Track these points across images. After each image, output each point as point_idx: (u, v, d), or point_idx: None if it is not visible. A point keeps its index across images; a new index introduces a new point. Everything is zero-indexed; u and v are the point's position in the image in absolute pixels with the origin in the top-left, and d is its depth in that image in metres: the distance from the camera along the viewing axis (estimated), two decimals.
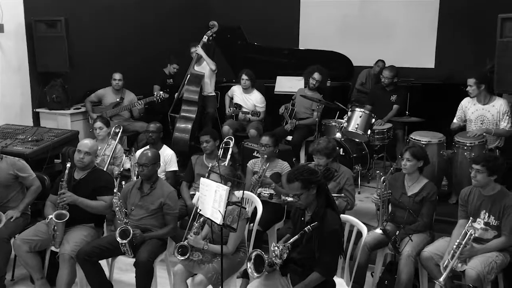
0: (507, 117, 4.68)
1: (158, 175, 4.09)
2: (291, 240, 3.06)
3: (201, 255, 3.56)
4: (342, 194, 4.18)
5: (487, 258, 3.45)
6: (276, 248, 3.08)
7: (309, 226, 2.98)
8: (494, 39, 4.68)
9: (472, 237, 3.40)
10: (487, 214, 3.58)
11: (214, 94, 6.69)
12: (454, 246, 3.40)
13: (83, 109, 6.34)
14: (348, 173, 4.25)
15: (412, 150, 3.92)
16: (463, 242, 3.38)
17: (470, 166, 3.62)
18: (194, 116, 6.15)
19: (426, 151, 4.09)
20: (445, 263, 3.42)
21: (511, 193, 3.64)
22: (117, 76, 6.22)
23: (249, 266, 3.07)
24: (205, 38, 6.29)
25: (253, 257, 3.08)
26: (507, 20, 4.57)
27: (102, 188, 3.98)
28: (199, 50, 6.24)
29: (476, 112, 4.83)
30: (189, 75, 6.29)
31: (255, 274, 3.07)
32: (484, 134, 4.68)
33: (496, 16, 4.65)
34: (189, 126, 6.11)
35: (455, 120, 5.04)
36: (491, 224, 3.57)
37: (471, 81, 4.73)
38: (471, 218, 3.64)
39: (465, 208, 3.72)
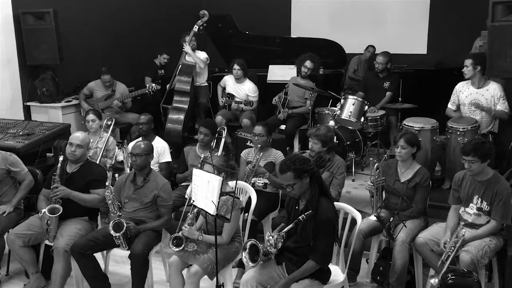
0: (503, 101, 4.67)
1: (152, 166, 4.07)
2: (285, 229, 3.07)
3: (196, 246, 3.56)
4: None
5: (481, 242, 3.48)
6: (271, 237, 3.09)
7: (303, 215, 2.99)
8: (486, 23, 4.66)
9: (462, 238, 3.42)
10: (479, 199, 3.59)
11: (206, 84, 6.66)
12: (449, 248, 3.41)
13: (74, 102, 6.29)
14: (341, 162, 4.25)
15: (406, 137, 3.92)
16: (457, 246, 3.40)
17: (461, 155, 3.61)
18: (186, 106, 6.12)
19: (419, 137, 4.10)
20: (442, 258, 3.43)
21: (504, 179, 3.65)
22: (106, 77, 6.13)
23: (244, 255, 3.09)
24: (195, 28, 6.24)
25: (248, 247, 3.09)
26: (498, 4, 4.53)
27: (95, 181, 3.96)
28: (186, 48, 6.20)
29: (470, 96, 4.82)
30: (180, 66, 6.26)
31: (250, 263, 3.08)
32: (483, 112, 4.67)
33: (487, 0, 4.63)
34: (182, 117, 6.08)
35: (449, 105, 5.03)
36: (483, 209, 3.58)
37: (468, 61, 4.70)
38: (462, 206, 3.67)
39: (457, 193, 3.73)
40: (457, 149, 4.55)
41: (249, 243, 3.09)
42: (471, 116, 4.79)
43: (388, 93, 6.04)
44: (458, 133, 4.61)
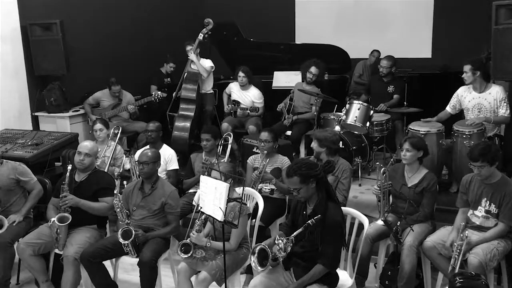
0: (505, 104, 4.67)
1: (159, 174, 4.10)
2: (295, 233, 3.06)
3: (204, 253, 3.57)
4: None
5: (489, 245, 3.46)
6: (280, 241, 3.08)
7: (312, 219, 2.98)
8: (490, 27, 4.67)
9: (466, 239, 3.42)
10: (488, 202, 3.59)
11: (212, 91, 6.69)
12: (455, 250, 3.41)
13: (82, 111, 6.34)
14: (346, 166, 4.24)
15: (411, 140, 3.93)
16: (462, 248, 3.39)
17: (469, 160, 3.60)
18: (192, 114, 6.16)
19: (425, 142, 4.10)
20: (452, 263, 3.42)
21: None
22: (116, 88, 6.19)
23: (253, 260, 3.07)
24: (200, 36, 6.28)
25: (257, 251, 3.08)
26: (501, 7, 4.55)
27: (103, 189, 3.99)
28: (191, 56, 6.24)
29: (473, 101, 4.83)
30: (186, 74, 6.30)
31: (259, 268, 3.07)
32: (483, 122, 4.68)
33: (490, 3, 4.64)
34: (188, 124, 6.12)
35: (447, 108, 5.03)
36: (492, 212, 3.58)
37: (466, 67, 4.73)
38: (471, 209, 3.67)
39: (465, 196, 3.73)
40: (463, 152, 4.54)
41: (258, 248, 3.08)
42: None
43: (395, 96, 6.06)
44: (464, 136, 4.61)
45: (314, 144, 4.28)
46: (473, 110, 4.83)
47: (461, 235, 3.43)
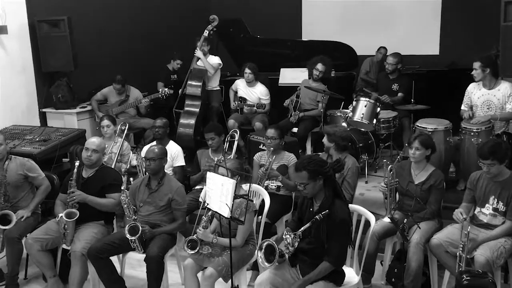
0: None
1: (166, 170, 4.11)
2: (302, 228, 3.07)
3: (210, 249, 3.59)
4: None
5: (496, 243, 3.45)
6: (288, 236, 3.09)
7: (320, 214, 2.99)
8: (498, 23, 4.64)
9: (468, 234, 3.40)
10: (496, 200, 3.57)
11: (218, 88, 6.70)
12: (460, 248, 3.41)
13: (89, 108, 6.37)
14: (352, 164, 4.21)
15: (421, 138, 3.91)
16: (466, 246, 3.38)
17: (478, 158, 3.58)
18: (197, 110, 6.17)
19: (433, 139, 4.08)
20: (458, 261, 3.42)
21: None
22: (117, 86, 6.19)
23: (260, 255, 3.08)
24: (205, 33, 6.29)
25: (264, 247, 3.08)
26: (510, 3, 4.53)
27: (110, 185, 4.01)
28: (198, 53, 6.25)
29: (482, 97, 4.80)
30: (191, 70, 6.31)
31: (266, 264, 3.07)
32: (490, 120, 4.65)
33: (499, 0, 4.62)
34: (193, 121, 6.13)
35: (463, 107, 5.01)
36: (499, 210, 3.56)
37: (476, 64, 4.69)
38: (478, 206, 3.65)
39: (472, 192, 3.72)
40: (471, 150, 4.53)
41: (265, 243, 3.08)
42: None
43: (399, 94, 6.04)
44: (472, 133, 4.59)
45: (324, 139, 4.30)
46: (482, 107, 4.80)
47: (465, 232, 3.42)
